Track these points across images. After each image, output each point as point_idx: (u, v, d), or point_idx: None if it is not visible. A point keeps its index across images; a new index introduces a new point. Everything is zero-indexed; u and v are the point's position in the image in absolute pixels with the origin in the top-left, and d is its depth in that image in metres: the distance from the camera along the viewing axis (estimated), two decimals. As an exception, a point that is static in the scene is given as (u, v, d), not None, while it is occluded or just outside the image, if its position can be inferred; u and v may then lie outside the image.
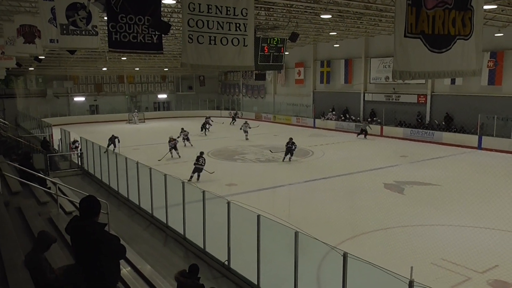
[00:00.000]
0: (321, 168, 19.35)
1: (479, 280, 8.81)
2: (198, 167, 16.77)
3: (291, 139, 21.10)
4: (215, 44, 7.42)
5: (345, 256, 6.49)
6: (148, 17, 8.86)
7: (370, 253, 9.75)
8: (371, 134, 29.58)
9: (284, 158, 20.97)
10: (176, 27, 19.52)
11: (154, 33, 9.11)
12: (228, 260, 9.06)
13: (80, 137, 20.27)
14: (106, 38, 9.04)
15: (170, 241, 11.31)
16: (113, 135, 23.52)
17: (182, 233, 10.92)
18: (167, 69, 45.68)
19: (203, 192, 9.91)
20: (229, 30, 7.53)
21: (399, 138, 28.30)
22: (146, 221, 12.78)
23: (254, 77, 35.18)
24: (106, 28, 8.69)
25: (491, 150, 23.56)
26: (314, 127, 35.00)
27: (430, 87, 28.83)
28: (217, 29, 7.39)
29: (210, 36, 7.32)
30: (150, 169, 12.65)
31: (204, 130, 31.64)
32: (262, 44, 18.18)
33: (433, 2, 4.03)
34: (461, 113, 26.71)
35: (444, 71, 4.45)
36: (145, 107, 47.63)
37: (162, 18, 10.06)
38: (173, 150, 22.01)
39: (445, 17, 4.20)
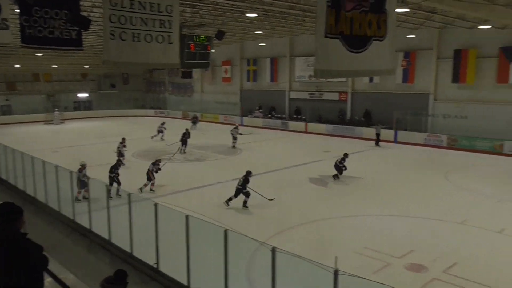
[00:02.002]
0: (249, 166, 19.45)
1: (397, 265, 9.44)
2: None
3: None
4: (139, 41, 7.19)
5: (273, 250, 6.61)
6: (65, 11, 8.37)
7: (298, 246, 10.05)
8: (297, 131, 30.51)
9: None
10: (97, 23, 18.61)
11: (72, 28, 8.63)
12: (157, 263, 8.85)
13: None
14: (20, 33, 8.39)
15: (94, 247, 10.80)
16: None
17: (108, 238, 10.48)
18: (88, 67, 43.37)
19: (129, 194, 9.58)
20: (154, 27, 7.34)
21: (322, 134, 29.43)
22: (68, 228, 12.08)
23: (180, 75, 34.64)
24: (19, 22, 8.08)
25: (405, 143, 25.33)
26: (241, 125, 35.24)
27: (351, 85, 30.33)
28: (141, 25, 7.17)
29: (133, 33, 7.08)
30: (71, 172, 11.98)
31: (158, 134, 28.63)
32: (188, 42, 17.93)
33: (351, 5, 4.24)
34: (379, 109, 28.41)
35: (362, 70, 4.71)
36: (64, 106, 44.80)
37: (81, 13, 9.54)
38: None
39: (362, 19, 4.44)
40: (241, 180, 13.63)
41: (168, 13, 7.47)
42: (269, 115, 34.73)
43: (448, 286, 8.54)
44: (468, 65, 24.33)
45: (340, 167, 16.81)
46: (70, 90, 46.63)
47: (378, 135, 25.33)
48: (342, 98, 30.95)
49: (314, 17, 19.57)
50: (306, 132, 30.75)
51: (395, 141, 26.10)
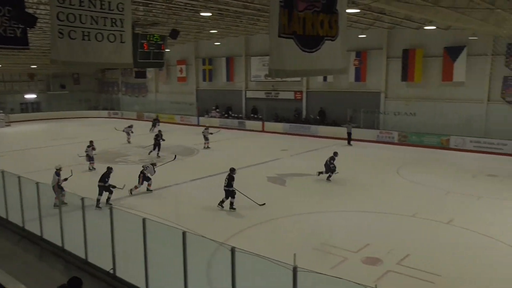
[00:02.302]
0: (207, 166, 19.43)
1: (354, 259, 9.70)
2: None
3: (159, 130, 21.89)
4: (89, 40, 6.95)
5: (233, 250, 6.61)
6: (9, 8, 7.95)
7: (258, 245, 10.10)
8: (254, 130, 30.66)
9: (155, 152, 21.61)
10: (44, 20, 17.83)
11: (17, 26, 8.21)
12: (114, 268, 8.61)
13: None
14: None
15: (46, 254, 10.35)
16: None
17: (61, 245, 10.07)
18: (35, 67, 41.40)
19: (82, 199, 9.26)
20: (105, 25, 7.12)
21: (279, 133, 29.74)
22: (17, 236, 11.51)
23: (134, 75, 33.85)
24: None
25: (359, 140, 26.05)
26: (198, 125, 34.98)
27: (306, 84, 30.83)
28: (91, 24, 6.93)
29: (83, 31, 6.85)
30: (19, 177, 11.41)
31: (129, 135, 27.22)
32: (141, 41, 17.54)
33: (304, 5, 4.31)
34: (333, 108, 29.07)
35: (315, 69, 4.80)
36: (10, 108, 42.58)
37: (26, 10, 9.09)
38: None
39: (314, 19, 4.52)
40: (226, 180, 13.37)
41: (119, 11, 7.28)
42: (226, 115, 34.66)
43: (402, 277, 8.87)
44: (415, 64, 25.39)
45: (330, 166, 16.88)
46: (16, 91, 44.41)
47: (349, 134, 25.36)
48: (298, 97, 31.39)
49: (268, 16, 19.71)
50: (263, 131, 30.95)
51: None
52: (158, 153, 21.69)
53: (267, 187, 16.04)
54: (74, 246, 9.74)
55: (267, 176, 17.42)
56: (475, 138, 23.00)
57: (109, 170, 13.82)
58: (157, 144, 21.94)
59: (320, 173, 16.90)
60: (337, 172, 16.86)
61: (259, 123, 31.61)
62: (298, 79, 30.03)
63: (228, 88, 35.54)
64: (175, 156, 19.20)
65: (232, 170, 13.49)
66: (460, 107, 24.24)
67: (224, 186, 13.32)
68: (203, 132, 24.61)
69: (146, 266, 7.94)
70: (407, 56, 25.67)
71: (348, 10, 14.06)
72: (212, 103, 36.08)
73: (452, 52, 24.10)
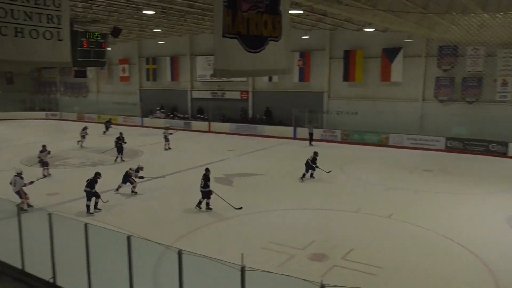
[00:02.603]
0: (152, 168, 18.97)
1: (300, 256, 9.88)
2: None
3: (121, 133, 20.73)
4: (22, 37, 6.53)
5: (180, 253, 6.51)
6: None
7: (206, 246, 10.05)
8: (200, 131, 30.38)
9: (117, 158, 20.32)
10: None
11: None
12: (54, 277, 8.19)
13: None
14: None
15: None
16: None
17: (-7, 255, 9.41)
18: (-39, 65, 38.50)
19: (17, 205, 8.73)
20: (40, 21, 6.72)
21: (226, 133, 29.70)
22: None
23: (73, 74, 32.36)
24: None
25: (304, 139, 26.57)
26: (142, 126, 34.13)
27: (251, 84, 31.02)
28: (25, 20, 6.52)
29: (16, 28, 6.42)
30: None
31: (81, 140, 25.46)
32: (81, 39, 16.82)
33: (247, 6, 4.32)
34: (279, 108, 29.46)
35: (260, 69, 4.82)
36: None
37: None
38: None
39: (258, 20, 4.54)
40: (202, 181, 13.15)
41: (56, 7, 6.90)
42: (171, 115, 34.08)
43: (346, 271, 9.16)
44: (356, 65, 26.35)
45: (312, 166, 17.02)
46: None
47: (311, 134, 25.35)
48: (244, 97, 31.51)
49: (212, 16, 19.62)
50: (209, 131, 30.77)
51: (294, 137, 27.26)
52: (121, 157, 20.53)
53: (214, 188, 15.91)
54: (8, 255, 9.15)
55: (214, 176, 17.23)
56: (411, 135, 24.25)
57: (97, 175, 13.37)
58: (119, 148, 20.69)
59: (304, 176, 17.01)
60: (331, 171, 17.46)
61: (205, 123, 31.39)
62: (244, 79, 30.15)
63: (173, 88, 34.98)
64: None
65: (207, 170, 13.35)
66: (398, 106, 25.45)
67: (200, 187, 13.16)
68: (164, 133, 24.11)
69: (88, 273, 7.62)
70: (348, 57, 26.57)
71: (291, 11, 14.31)
72: (157, 104, 35.33)
73: (390, 54, 25.24)
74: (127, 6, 17.91)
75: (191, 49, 33.38)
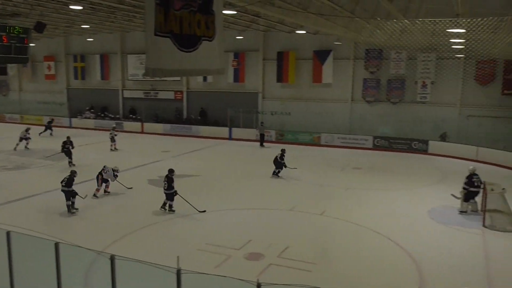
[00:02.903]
0: (81, 171, 18.14)
1: (237, 256, 9.92)
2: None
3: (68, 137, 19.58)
4: None
5: (112, 258, 6.27)
6: None
7: (141, 250, 9.77)
8: (133, 132, 29.46)
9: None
10: None
11: None
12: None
13: None
14: None
15: None
16: None
17: None
18: None
19: None
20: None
21: (160, 134, 29.05)
22: None
23: (-9, 72, 30.05)
24: None
25: (239, 139, 26.76)
26: (70, 127, 32.39)
27: (186, 84, 30.62)
28: None
29: None
30: None
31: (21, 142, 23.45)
32: (0, 33, 15.62)
33: (180, 4, 4.25)
34: (214, 108, 29.36)
35: (193, 69, 4.77)
36: None
37: None
38: None
39: (191, 19, 4.49)
40: (165, 182, 12.80)
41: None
42: (102, 116, 32.70)
43: (282, 269, 9.34)
44: (289, 66, 26.97)
45: (281, 163, 17.24)
46: None
47: (262, 135, 25.25)
48: (178, 97, 31.03)
49: (144, 13, 19.09)
50: (142, 132, 29.93)
51: (229, 138, 27.32)
52: (71, 162, 19.06)
53: (148, 190, 15.55)
54: None
55: (148, 178, 16.90)
56: (342, 135, 25.27)
57: (73, 174, 13.17)
58: (66, 152, 19.16)
59: (276, 173, 17.53)
60: (296, 168, 17.93)
61: (138, 124, 30.48)
62: (178, 78, 29.70)
63: (103, 87, 33.59)
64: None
65: (171, 172, 13.03)
66: (329, 107, 26.42)
67: (164, 189, 12.86)
68: (110, 133, 23.42)
69: (12, 284, 7.11)
70: (281, 58, 27.11)
71: (225, 11, 14.35)
72: (86, 103, 33.72)
73: (321, 56, 26.12)
74: (52, 0, 16.94)
75: (122, 47, 32.28)
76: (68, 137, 19.75)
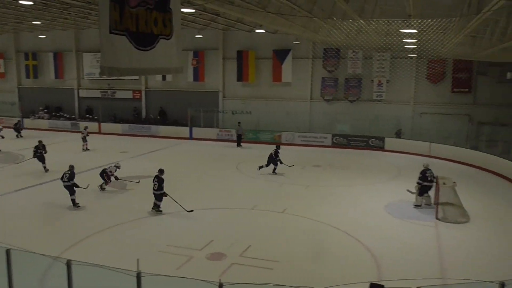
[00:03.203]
0: (35, 173, 17.44)
1: (199, 257, 9.84)
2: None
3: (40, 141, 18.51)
4: None
5: (69, 264, 6.08)
6: None
7: (100, 254, 9.53)
8: (89, 132, 28.56)
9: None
10: None
11: None
12: None
13: None
14: None
15: None
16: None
17: None
18: None
19: None
20: None
21: (118, 134, 28.37)
22: None
23: None
24: None
25: (200, 139, 26.56)
26: (23, 127, 30.93)
27: (144, 83, 30.06)
28: None
29: None
30: None
31: None
32: None
33: (136, 1, 4.15)
34: (173, 107, 29.00)
35: (151, 68, 4.68)
36: None
37: None
38: None
39: (147, 17, 4.40)
40: (156, 183, 12.69)
41: None
42: (56, 116, 31.52)
43: (245, 267, 9.35)
44: (249, 65, 27.05)
45: (275, 161, 17.36)
46: None
47: (239, 136, 24.88)
48: (136, 96, 30.42)
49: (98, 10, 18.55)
50: (100, 133, 29.08)
51: (190, 137, 27.07)
52: (45, 167, 17.90)
53: (106, 192, 15.14)
54: None
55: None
56: (302, 133, 25.62)
57: (72, 168, 13.37)
58: (39, 158, 17.93)
59: (260, 167, 17.62)
60: (293, 165, 18.28)
61: (95, 124, 29.59)
62: (136, 77, 29.09)
63: (58, 86, 32.42)
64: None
65: (161, 172, 12.99)
66: (289, 106, 26.71)
67: (154, 190, 12.77)
68: (82, 133, 23.11)
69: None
70: (241, 57, 27.14)
71: (183, 10, 14.19)
72: (39, 103, 32.39)
73: (280, 55, 26.36)
74: (-1, -6, 16.16)
75: (77, 44, 31.24)
76: (40, 141, 18.37)
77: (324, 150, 24.01)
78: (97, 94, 31.27)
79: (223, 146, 25.19)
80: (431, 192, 13.62)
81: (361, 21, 11.69)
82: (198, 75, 28.30)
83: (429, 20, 10.00)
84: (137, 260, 5.90)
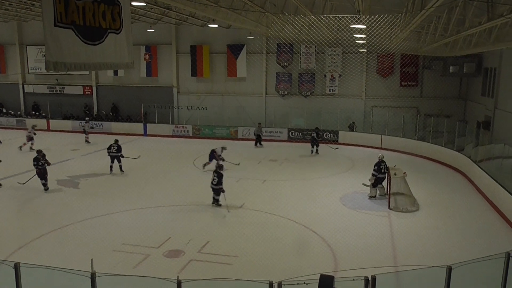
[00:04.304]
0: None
1: (156, 255, 9.70)
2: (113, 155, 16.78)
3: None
4: None
5: (16, 266, 5.81)
6: None
7: (51, 256, 9.17)
8: (37, 129, 27.30)
9: None
10: None
11: None
12: None
13: None
14: None
15: None
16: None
17: None
18: None
19: None
20: None
21: (68, 132, 27.34)
22: None
23: None
24: None
25: (155, 135, 26.09)
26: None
27: (95, 78, 29.08)
28: None
29: None
30: None
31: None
32: None
33: (82, -6, 3.99)
34: (126, 103, 28.28)
35: (100, 63, 4.53)
36: None
37: None
38: None
39: (95, 10, 4.24)
40: (215, 177, 12.98)
41: None
42: (-1, 113, 29.90)
43: (203, 264, 9.32)
44: (203, 60, 26.82)
45: (219, 157, 17.46)
46: None
47: (259, 136, 23.80)
48: (87, 92, 29.41)
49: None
50: (48, 130, 27.90)
51: (144, 134, 26.53)
52: (45, 185, 14.95)
53: (57, 191, 14.56)
54: None
55: (56, 179, 15.78)
56: (258, 127, 25.71)
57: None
58: (41, 172, 15.07)
59: (205, 164, 17.65)
60: (238, 164, 18.34)
61: (43, 121, 28.33)
62: (86, 72, 28.09)
63: (0, 81, 30.72)
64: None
65: (220, 167, 13.45)
66: (244, 101, 26.77)
67: (213, 184, 13.04)
68: (29, 132, 21.83)
69: None
70: (195, 52, 26.85)
71: (134, 3, 13.84)
72: (-21, 100, 30.62)
73: (234, 50, 26.32)
74: None
75: (20, 37, 29.69)
76: (39, 151, 15.12)
77: (280, 144, 24.27)
78: (44, 89, 29.93)
79: (179, 142, 24.88)
80: (384, 183, 14.13)
81: (312, 16, 11.87)
82: (151, 70, 27.73)
83: (377, 16, 10.31)
84: (91, 260, 5.74)
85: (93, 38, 4.32)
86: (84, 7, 4.06)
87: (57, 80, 29.58)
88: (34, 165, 14.62)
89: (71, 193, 14.58)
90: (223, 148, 17.84)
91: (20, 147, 21.50)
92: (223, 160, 17.05)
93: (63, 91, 29.77)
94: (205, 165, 17.68)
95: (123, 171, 17.24)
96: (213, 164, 16.14)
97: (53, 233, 10.95)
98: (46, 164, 14.68)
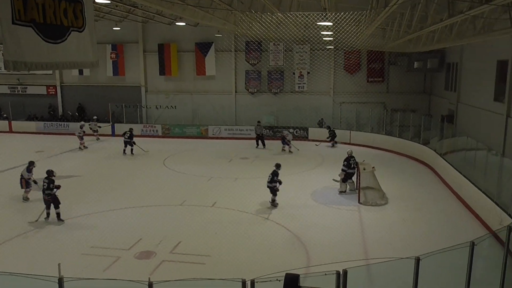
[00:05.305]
0: None
1: (127, 257, 9.53)
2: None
3: None
4: None
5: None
6: None
7: (15, 262, 8.87)
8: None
9: None
10: None
11: None
12: None
13: None
14: None
15: None
16: None
17: None
18: None
19: None
20: None
21: (32, 133, 26.48)
22: None
23: None
24: None
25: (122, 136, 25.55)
26: None
27: (59, 78, 28.27)
28: None
29: None
30: None
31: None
32: None
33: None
34: (93, 103, 27.61)
35: (63, 62, 4.39)
36: None
37: None
38: None
39: (55, 7, 4.10)
40: (270, 175, 13.08)
41: None
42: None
43: (176, 264, 9.23)
44: (171, 59, 26.51)
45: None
46: None
47: (260, 135, 22.79)
48: (51, 92, 28.56)
49: None
50: (10, 131, 26.94)
51: (112, 134, 25.97)
52: (58, 214, 14.62)
53: (16, 194, 14.06)
54: None
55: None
56: (228, 126, 25.70)
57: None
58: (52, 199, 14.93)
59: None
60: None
61: (5, 122, 27.33)
62: (50, 72, 27.27)
63: (-44, 83, 29.45)
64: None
65: (278, 166, 13.41)
66: (214, 99, 26.63)
67: (268, 182, 12.99)
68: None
69: None
70: (162, 51, 26.50)
71: (98, 0, 13.51)
72: None
73: (203, 48, 26.13)
74: None
75: (-23, 37, 28.47)
76: (49, 172, 12.16)
77: (251, 142, 24.23)
78: (5, 89, 28.86)
79: (148, 141, 24.46)
80: (354, 178, 14.36)
81: (279, 14, 11.91)
82: (117, 69, 27.18)
83: (343, 13, 10.46)
84: (59, 264, 5.58)
85: (54, 36, 4.17)
86: (44, 4, 3.92)
87: (18, 80, 28.58)
88: (45, 186, 11.65)
89: (36, 195, 14.11)
90: (289, 132, 20.92)
91: None
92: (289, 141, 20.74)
93: (26, 91, 28.80)
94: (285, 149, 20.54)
95: (133, 154, 20.51)
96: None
97: (18, 238, 10.59)
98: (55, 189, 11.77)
